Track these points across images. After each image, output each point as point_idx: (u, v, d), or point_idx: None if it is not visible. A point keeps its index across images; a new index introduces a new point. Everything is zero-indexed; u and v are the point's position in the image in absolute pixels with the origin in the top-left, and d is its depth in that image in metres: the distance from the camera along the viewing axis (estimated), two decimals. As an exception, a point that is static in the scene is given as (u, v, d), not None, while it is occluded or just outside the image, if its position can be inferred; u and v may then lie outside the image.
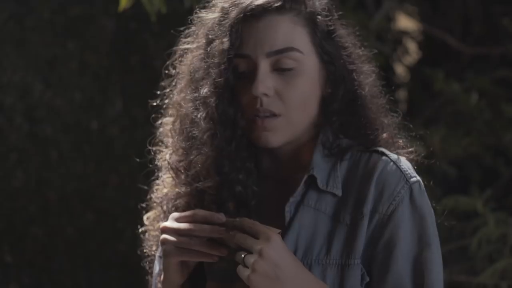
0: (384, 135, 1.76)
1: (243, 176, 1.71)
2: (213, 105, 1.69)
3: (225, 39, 1.68)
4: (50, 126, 3.97)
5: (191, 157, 1.73)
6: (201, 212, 1.64)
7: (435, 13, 4.60)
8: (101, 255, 4.04)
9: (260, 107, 1.67)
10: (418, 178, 1.69)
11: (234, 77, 1.68)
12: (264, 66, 1.66)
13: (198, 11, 1.77)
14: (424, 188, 1.69)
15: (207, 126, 1.70)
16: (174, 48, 1.82)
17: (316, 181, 1.68)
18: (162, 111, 1.87)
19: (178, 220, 1.66)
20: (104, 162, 4.05)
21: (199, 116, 1.71)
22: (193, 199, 1.75)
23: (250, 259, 1.54)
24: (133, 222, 4.14)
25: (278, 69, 1.67)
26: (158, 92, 1.87)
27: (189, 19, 1.78)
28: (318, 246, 1.64)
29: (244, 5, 1.68)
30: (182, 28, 1.82)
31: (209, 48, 1.72)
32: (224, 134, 1.69)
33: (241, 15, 1.67)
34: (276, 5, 1.67)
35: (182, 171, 1.76)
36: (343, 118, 1.73)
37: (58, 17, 3.96)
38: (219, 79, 1.68)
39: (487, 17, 4.47)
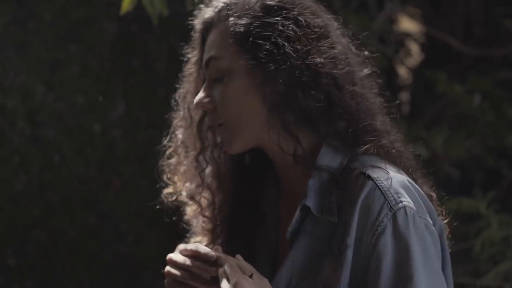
0: (384, 140, 1.65)
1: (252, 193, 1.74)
2: (196, 121, 1.78)
3: (194, 52, 1.78)
4: (52, 129, 3.97)
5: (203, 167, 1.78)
6: (200, 248, 1.63)
7: (437, 15, 4.60)
8: (104, 258, 4.04)
9: (208, 118, 1.72)
10: (406, 203, 1.55)
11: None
12: (206, 78, 1.70)
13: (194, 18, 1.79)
14: (414, 213, 1.55)
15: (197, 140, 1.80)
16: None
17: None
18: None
19: (182, 252, 1.67)
20: (107, 165, 4.05)
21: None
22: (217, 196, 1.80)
23: None
24: (136, 225, 4.16)
25: (215, 80, 1.69)
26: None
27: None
28: (310, 274, 1.62)
29: (199, 19, 1.75)
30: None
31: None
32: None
33: (198, 28, 1.75)
34: (210, 20, 1.70)
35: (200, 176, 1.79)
36: (325, 125, 1.62)
37: (60, 20, 3.96)
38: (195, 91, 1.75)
39: (489, 18, 4.47)
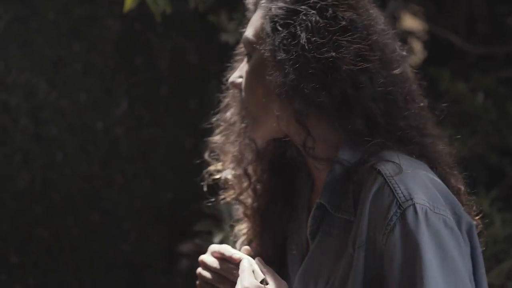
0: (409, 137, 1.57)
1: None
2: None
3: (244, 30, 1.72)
4: (55, 127, 3.97)
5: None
6: (225, 251, 1.63)
7: (440, 12, 4.60)
8: (106, 255, 4.04)
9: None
10: (416, 199, 1.46)
11: None
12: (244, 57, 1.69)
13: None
14: (426, 210, 1.46)
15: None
16: None
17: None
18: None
19: (212, 254, 1.67)
20: (109, 163, 4.05)
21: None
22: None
23: None
24: (138, 223, 4.16)
25: (247, 61, 1.67)
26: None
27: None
28: (327, 274, 1.58)
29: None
30: None
31: None
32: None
33: (250, 8, 1.70)
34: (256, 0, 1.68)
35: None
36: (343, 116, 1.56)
37: (62, 18, 3.96)
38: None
39: (492, 16, 4.46)
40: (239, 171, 1.76)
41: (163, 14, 2.59)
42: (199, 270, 1.69)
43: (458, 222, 1.50)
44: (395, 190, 1.48)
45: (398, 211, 1.46)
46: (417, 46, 4.81)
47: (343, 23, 1.57)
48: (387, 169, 1.51)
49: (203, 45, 4.10)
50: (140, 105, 4.11)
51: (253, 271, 1.58)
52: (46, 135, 3.97)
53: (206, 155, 1.85)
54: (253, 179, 1.76)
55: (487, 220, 1.89)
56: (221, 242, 2.81)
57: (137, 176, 4.08)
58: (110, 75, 4.05)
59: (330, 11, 1.57)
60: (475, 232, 1.54)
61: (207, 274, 1.66)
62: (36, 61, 3.93)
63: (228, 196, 1.81)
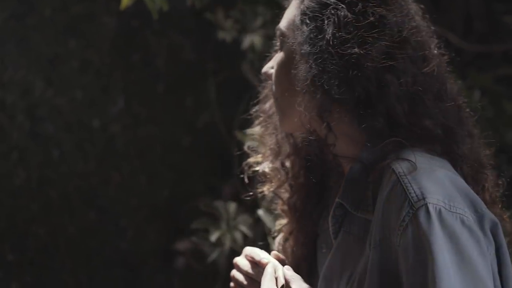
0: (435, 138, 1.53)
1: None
2: None
3: None
4: (51, 124, 3.97)
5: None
6: (255, 254, 1.65)
7: (436, 10, 4.59)
8: (103, 253, 4.04)
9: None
10: (430, 199, 1.42)
11: None
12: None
13: None
14: (441, 209, 1.41)
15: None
16: None
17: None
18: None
19: (246, 256, 1.68)
20: (106, 160, 4.05)
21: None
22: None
23: None
24: (135, 221, 4.15)
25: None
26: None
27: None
28: (346, 273, 1.57)
29: None
30: None
31: None
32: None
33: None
34: None
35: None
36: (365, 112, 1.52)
37: (59, 15, 3.95)
38: None
39: (489, 14, 4.46)
40: (277, 164, 1.74)
41: (159, 11, 2.59)
42: (233, 272, 1.70)
43: (480, 220, 1.46)
44: (408, 190, 1.44)
45: (411, 211, 1.42)
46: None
47: (372, 18, 1.54)
48: (401, 167, 1.47)
49: (200, 43, 4.09)
50: (137, 102, 4.10)
51: (276, 278, 1.58)
52: (43, 133, 3.96)
53: (245, 147, 1.83)
54: (290, 173, 1.74)
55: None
56: (217, 240, 2.82)
57: (134, 174, 4.08)
58: (106, 73, 4.05)
59: (360, 6, 1.54)
60: (500, 230, 1.49)
61: (240, 276, 1.67)
62: (32, 59, 3.92)
63: (266, 189, 1.79)
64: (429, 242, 1.39)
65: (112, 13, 3.97)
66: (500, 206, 1.61)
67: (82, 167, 4.00)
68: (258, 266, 1.64)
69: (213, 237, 2.79)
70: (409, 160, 1.48)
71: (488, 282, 1.40)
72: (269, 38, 3.40)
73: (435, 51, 1.62)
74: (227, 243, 2.80)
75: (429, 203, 1.42)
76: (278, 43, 1.66)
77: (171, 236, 4.08)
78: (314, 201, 1.74)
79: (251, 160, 1.81)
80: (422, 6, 1.72)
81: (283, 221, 1.79)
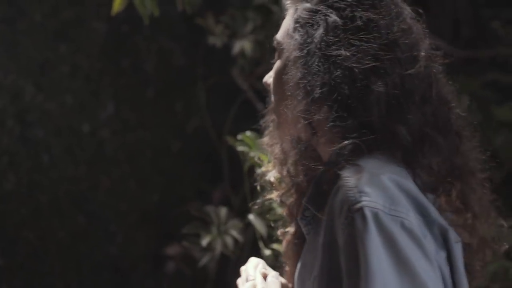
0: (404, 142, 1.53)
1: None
2: None
3: None
4: (41, 129, 3.97)
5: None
6: (246, 271, 1.66)
7: (425, 15, 4.61)
8: (92, 258, 4.04)
9: None
10: (366, 203, 1.42)
11: None
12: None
13: None
14: (377, 213, 1.42)
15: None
16: None
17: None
18: None
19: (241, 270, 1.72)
20: (96, 165, 4.05)
21: None
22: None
23: None
24: (124, 225, 4.16)
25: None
26: None
27: None
28: (308, 274, 1.60)
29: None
30: None
31: None
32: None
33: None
34: (287, 2, 1.69)
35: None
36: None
37: (49, 21, 3.96)
38: None
39: (477, 20, 4.49)
40: (283, 172, 1.74)
41: (150, 16, 2.59)
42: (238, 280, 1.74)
43: (428, 225, 1.48)
44: (348, 193, 1.45)
45: (350, 215, 1.43)
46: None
47: (359, 22, 1.56)
48: (348, 171, 1.48)
49: (190, 48, 4.10)
50: (127, 107, 4.11)
51: None
52: (33, 138, 3.96)
53: (256, 157, 1.86)
54: (295, 180, 1.73)
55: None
56: (208, 245, 2.82)
57: (124, 179, 4.08)
58: (96, 78, 4.05)
59: (348, 11, 1.57)
60: (452, 237, 1.51)
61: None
62: (22, 63, 3.92)
63: (272, 196, 1.80)
64: (364, 245, 1.41)
65: (102, 18, 3.98)
66: (470, 215, 1.58)
67: (72, 172, 4.00)
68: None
69: (204, 241, 2.79)
70: (358, 165, 1.49)
71: (428, 284, 1.42)
72: (259, 44, 3.41)
73: (423, 53, 1.62)
74: (218, 248, 2.80)
75: (366, 206, 1.43)
76: (276, 53, 1.68)
77: (161, 241, 4.09)
78: None
79: (263, 169, 1.83)
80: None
81: (288, 228, 1.81)
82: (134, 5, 2.56)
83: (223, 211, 2.82)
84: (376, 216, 1.42)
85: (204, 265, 2.96)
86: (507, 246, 1.66)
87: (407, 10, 1.64)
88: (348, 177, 1.46)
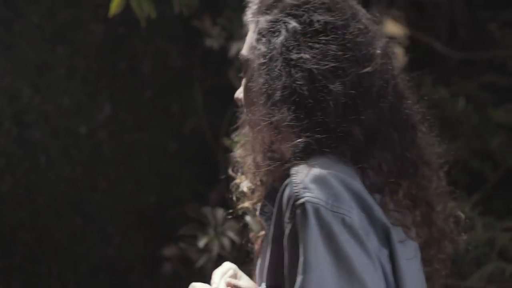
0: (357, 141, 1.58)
1: None
2: None
3: None
4: (38, 131, 3.97)
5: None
6: (212, 280, 1.74)
7: (421, 18, 4.62)
8: (90, 259, 4.04)
9: None
10: (308, 198, 1.49)
11: None
12: None
13: None
14: (318, 208, 1.49)
15: None
16: None
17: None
18: None
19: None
20: (93, 167, 4.05)
21: None
22: None
23: None
24: (122, 227, 4.16)
25: None
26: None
27: None
28: (262, 268, 1.66)
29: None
30: None
31: None
32: None
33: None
34: (248, 17, 1.75)
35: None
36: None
37: (46, 22, 3.96)
38: None
39: (473, 22, 4.49)
40: (255, 181, 1.78)
41: (147, 18, 2.60)
42: None
43: (371, 222, 1.53)
44: (293, 189, 1.52)
45: (293, 209, 1.51)
46: (398, 51, 4.83)
47: (317, 26, 1.63)
48: (296, 168, 1.55)
49: (187, 50, 4.11)
50: (124, 109, 4.11)
51: None
52: (30, 139, 3.96)
53: (229, 170, 1.88)
54: (268, 188, 1.77)
55: (468, 221, 1.90)
56: (205, 246, 2.83)
57: (121, 180, 4.08)
58: (93, 79, 4.05)
59: (306, 16, 1.64)
60: (394, 236, 1.56)
61: None
62: (19, 65, 3.92)
63: (245, 205, 1.84)
64: (303, 238, 1.48)
65: (100, 20, 3.98)
66: (419, 212, 1.64)
67: (69, 173, 4.00)
68: None
69: (201, 243, 2.80)
70: (308, 163, 1.55)
71: (366, 279, 1.48)
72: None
73: (379, 51, 1.67)
74: (215, 249, 2.81)
75: (308, 202, 1.50)
76: (243, 69, 1.72)
77: (158, 242, 4.09)
78: None
79: (237, 181, 1.86)
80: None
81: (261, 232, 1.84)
82: (131, 7, 2.57)
83: (220, 212, 2.83)
84: (317, 211, 1.49)
85: (201, 267, 2.97)
86: (465, 237, 1.73)
87: (362, 11, 1.72)
88: (296, 174, 1.53)
